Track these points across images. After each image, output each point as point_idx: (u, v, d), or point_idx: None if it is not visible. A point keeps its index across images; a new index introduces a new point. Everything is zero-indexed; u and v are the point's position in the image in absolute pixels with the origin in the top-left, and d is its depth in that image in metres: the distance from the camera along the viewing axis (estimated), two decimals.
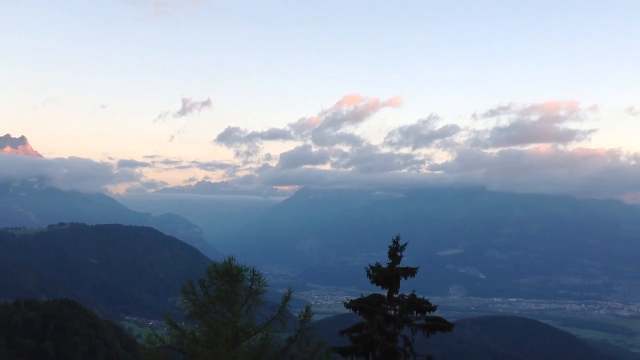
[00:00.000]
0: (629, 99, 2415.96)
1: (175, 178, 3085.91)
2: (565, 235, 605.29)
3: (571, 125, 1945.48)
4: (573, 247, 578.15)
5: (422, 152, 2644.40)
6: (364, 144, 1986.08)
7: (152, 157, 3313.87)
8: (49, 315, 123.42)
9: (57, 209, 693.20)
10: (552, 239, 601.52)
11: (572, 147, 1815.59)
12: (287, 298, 20.24)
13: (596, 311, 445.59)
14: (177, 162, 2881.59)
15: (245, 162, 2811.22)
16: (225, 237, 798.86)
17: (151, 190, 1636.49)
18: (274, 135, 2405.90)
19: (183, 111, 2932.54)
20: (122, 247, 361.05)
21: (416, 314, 32.59)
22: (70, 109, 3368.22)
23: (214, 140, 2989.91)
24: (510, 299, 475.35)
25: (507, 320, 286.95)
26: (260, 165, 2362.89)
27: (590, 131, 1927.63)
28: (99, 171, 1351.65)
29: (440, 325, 32.52)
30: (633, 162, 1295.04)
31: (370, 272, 32.85)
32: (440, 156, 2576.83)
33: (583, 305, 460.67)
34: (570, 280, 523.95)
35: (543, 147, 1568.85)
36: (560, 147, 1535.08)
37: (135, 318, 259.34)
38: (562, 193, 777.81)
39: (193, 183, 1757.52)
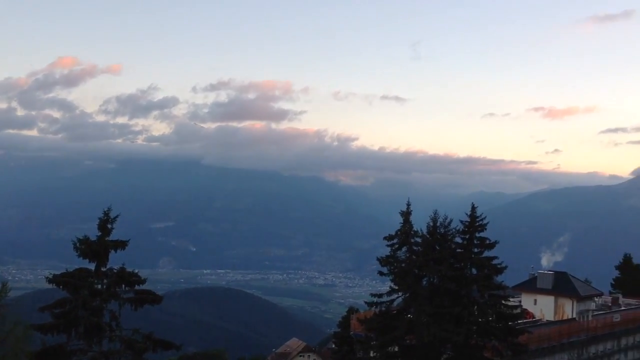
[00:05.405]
0: (336, 84, 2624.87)
1: None
2: (272, 210, 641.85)
3: (285, 105, 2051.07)
4: (279, 220, 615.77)
5: (140, 122, 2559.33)
6: (77, 111, 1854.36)
7: None
8: None
9: None
10: (261, 213, 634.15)
11: (284, 126, 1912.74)
12: None
13: (296, 280, 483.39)
14: None
15: None
16: None
17: None
18: None
19: None
20: None
21: (125, 287, 32.39)
22: None
23: None
24: (219, 271, 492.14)
25: (213, 291, 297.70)
26: None
27: (301, 112, 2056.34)
28: None
29: (149, 298, 32.73)
30: (336, 143, 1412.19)
31: (78, 245, 31.74)
32: (158, 128, 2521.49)
33: (285, 275, 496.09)
34: (275, 252, 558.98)
35: (258, 125, 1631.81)
36: (274, 125, 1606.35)
37: None
38: (272, 169, 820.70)
39: None
